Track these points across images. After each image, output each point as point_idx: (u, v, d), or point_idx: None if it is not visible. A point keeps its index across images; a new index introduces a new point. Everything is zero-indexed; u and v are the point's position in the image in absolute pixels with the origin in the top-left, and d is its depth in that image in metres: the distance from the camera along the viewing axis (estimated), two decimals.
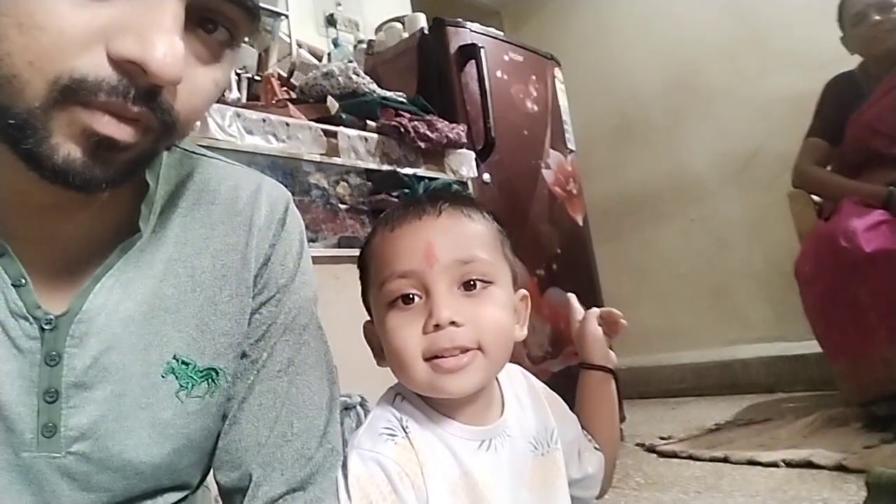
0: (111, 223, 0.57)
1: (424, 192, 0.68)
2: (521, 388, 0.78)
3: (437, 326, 0.63)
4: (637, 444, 2.30)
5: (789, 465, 1.78)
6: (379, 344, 0.71)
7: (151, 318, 0.58)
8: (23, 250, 0.53)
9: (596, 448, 0.82)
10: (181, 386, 0.59)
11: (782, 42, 3.10)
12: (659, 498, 1.69)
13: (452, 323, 0.64)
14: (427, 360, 0.65)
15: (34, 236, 0.54)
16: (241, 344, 0.64)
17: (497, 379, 0.75)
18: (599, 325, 0.86)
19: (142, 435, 0.57)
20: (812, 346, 2.26)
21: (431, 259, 0.65)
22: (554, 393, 0.82)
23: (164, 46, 0.43)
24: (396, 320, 0.66)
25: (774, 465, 1.80)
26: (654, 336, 3.39)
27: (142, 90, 0.44)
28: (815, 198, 2.35)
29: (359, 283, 0.75)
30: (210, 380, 0.61)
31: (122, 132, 0.45)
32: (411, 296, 0.66)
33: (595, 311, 0.87)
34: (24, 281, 0.53)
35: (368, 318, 0.74)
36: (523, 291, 0.75)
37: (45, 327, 0.53)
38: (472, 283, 0.66)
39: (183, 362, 0.59)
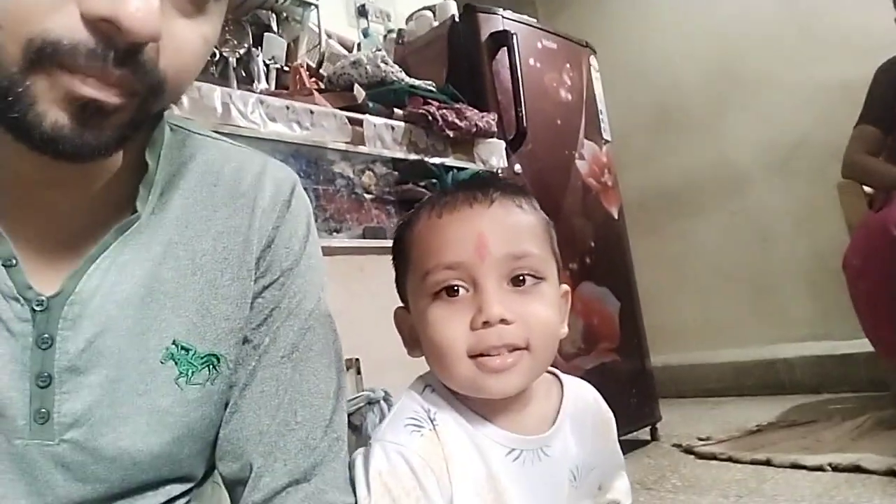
0: (108, 203, 0.56)
1: (473, 178, 0.65)
2: (587, 413, 0.72)
3: (487, 323, 0.60)
4: (674, 445, 2.24)
5: (836, 469, 1.70)
6: (411, 333, 0.68)
7: (150, 301, 0.56)
8: (13, 229, 0.51)
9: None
10: (181, 373, 0.57)
11: (830, 27, 2.97)
12: (696, 501, 1.62)
13: (503, 320, 0.60)
14: (472, 356, 0.61)
15: (25, 215, 0.52)
16: (243, 329, 0.61)
17: (562, 393, 0.71)
18: None
19: (139, 423, 0.55)
20: (860, 346, 2.16)
21: (483, 252, 0.62)
22: (613, 420, 0.77)
23: (142, 5, 0.41)
24: (440, 313, 0.63)
25: (820, 468, 1.72)
26: (693, 333, 3.29)
27: (121, 51, 0.42)
28: (866, 188, 2.25)
29: (383, 273, 0.72)
30: (211, 366, 0.59)
31: (106, 95, 0.43)
32: (457, 288, 0.62)
33: None
34: (14, 261, 0.51)
35: (401, 304, 0.71)
36: (565, 287, 0.71)
37: (37, 308, 0.51)
38: (521, 278, 0.63)
39: (183, 348, 0.57)
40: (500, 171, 2.00)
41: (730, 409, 2.79)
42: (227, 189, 0.62)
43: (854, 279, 2.03)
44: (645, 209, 3.37)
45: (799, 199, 3.07)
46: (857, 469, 1.65)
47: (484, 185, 0.66)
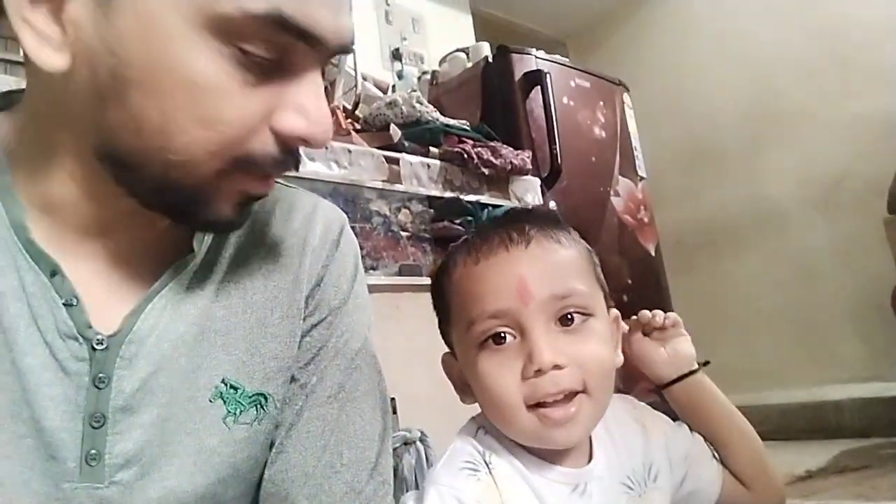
0: (167, 243, 0.56)
1: (506, 215, 0.64)
2: (613, 419, 0.70)
3: (539, 371, 0.58)
4: None
5: None
6: (461, 379, 0.67)
7: (202, 339, 0.56)
8: (74, 269, 0.52)
9: (714, 457, 0.74)
10: (228, 412, 0.57)
11: (868, 60, 2.93)
12: None
13: (555, 366, 0.58)
14: (530, 407, 0.60)
15: (87, 254, 0.53)
16: (291, 368, 0.61)
17: None
18: (646, 334, 0.77)
19: (185, 462, 0.54)
20: None
21: (526, 297, 0.60)
22: (656, 412, 0.75)
23: (325, 119, 0.48)
24: (490, 364, 0.61)
25: None
26: (735, 375, 3.16)
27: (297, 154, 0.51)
28: None
29: (419, 312, 0.72)
30: (259, 406, 0.58)
31: (268, 188, 0.52)
32: (504, 335, 0.61)
33: (631, 330, 0.77)
34: (75, 301, 0.51)
35: (446, 350, 0.70)
36: (615, 312, 0.69)
37: (97, 347, 0.51)
38: (570, 316, 0.61)
39: (231, 386, 0.57)
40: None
41: (777, 454, 2.65)
42: (278, 228, 0.63)
43: None
44: (682, 247, 3.32)
45: (842, 235, 2.99)
46: None
47: (519, 223, 0.65)
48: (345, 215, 0.69)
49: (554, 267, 0.62)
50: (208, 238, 0.58)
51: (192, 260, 0.56)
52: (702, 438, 0.75)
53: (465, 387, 0.67)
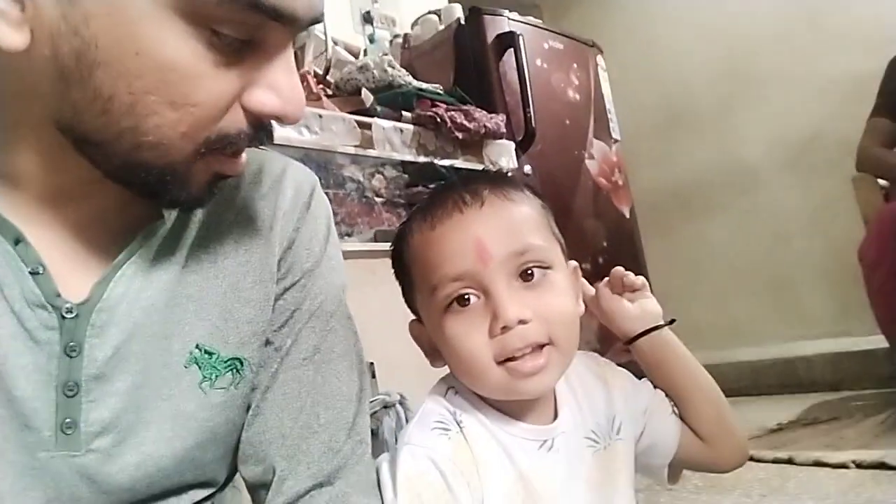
0: (135, 210, 0.55)
1: (459, 178, 0.64)
2: (575, 376, 0.71)
3: (506, 328, 0.59)
4: None
5: (860, 466, 1.66)
6: (430, 344, 0.67)
7: (174, 305, 0.56)
8: (40, 236, 0.51)
9: (674, 412, 0.75)
10: (204, 377, 0.57)
11: (840, 20, 2.94)
12: (719, 501, 1.59)
13: (520, 321, 0.59)
14: (500, 363, 0.60)
15: (53, 222, 0.52)
16: (266, 332, 0.61)
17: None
18: (616, 293, 0.78)
19: (163, 427, 0.55)
20: (880, 341, 2.12)
21: (485, 257, 0.60)
22: (618, 368, 0.76)
23: (297, 95, 0.49)
24: (457, 325, 0.62)
25: (844, 466, 1.68)
26: (709, 334, 3.24)
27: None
28: (881, 181, 2.21)
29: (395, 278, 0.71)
30: (235, 370, 0.59)
31: (239, 168, 0.52)
32: (467, 296, 0.61)
33: (602, 285, 0.79)
34: (41, 268, 0.50)
35: (413, 317, 0.70)
36: (573, 264, 0.70)
37: (66, 316, 0.51)
38: (529, 272, 0.61)
39: (206, 352, 0.57)
40: (509, 172, 1.99)
41: (749, 409, 2.74)
42: (248, 192, 0.62)
43: (869, 271, 1.99)
44: (657, 209, 3.34)
45: (813, 194, 3.04)
46: (881, 465, 1.62)
47: (471, 185, 0.65)
48: (315, 177, 0.69)
49: (510, 224, 0.62)
50: None
51: (162, 227, 0.55)
52: (663, 394, 0.76)
53: (434, 351, 0.67)
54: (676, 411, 0.75)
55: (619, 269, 0.77)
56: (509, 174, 0.82)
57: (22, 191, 0.51)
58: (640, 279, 0.77)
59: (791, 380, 2.95)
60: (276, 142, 1.39)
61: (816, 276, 3.04)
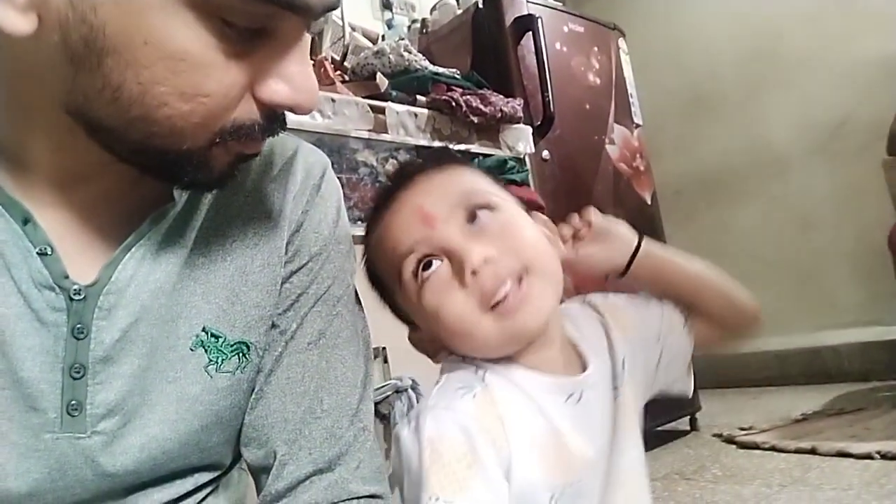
0: (145, 191, 0.55)
1: (387, 178, 0.68)
2: (587, 327, 0.70)
3: (475, 272, 0.57)
4: (714, 435, 2.17)
5: (885, 457, 1.62)
6: (431, 346, 0.66)
7: (181, 288, 0.56)
8: (49, 217, 0.51)
9: (683, 317, 0.73)
10: (210, 360, 0.57)
11: (870, 2, 2.84)
12: (738, 491, 1.56)
13: (486, 260, 0.58)
14: (485, 313, 0.58)
15: (62, 203, 0.52)
16: (273, 316, 0.61)
17: (569, 337, 0.68)
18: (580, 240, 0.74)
19: (168, 410, 0.55)
20: None
21: (429, 220, 0.60)
22: (617, 301, 0.74)
23: (310, 85, 0.48)
24: (432, 293, 0.60)
25: (868, 456, 1.64)
26: None
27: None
28: None
29: None
30: (241, 354, 0.58)
31: (260, 146, 0.51)
32: (430, 261, 0.60)
33: (568, 241, 0.74)
34: (49, 249, 0.50)
35: (409, 328, 0.69)
36: (540, 216, 0.68)
37: (74, 298, 0.51)
38: (479, 213, 0.60)
39: (212, 335, 0.57)
40: (526, 157, 1.96)
41: (773, 399, 2.70)
42: (259, 174, 0.62)
43: None
44: (680, 196, 3.28)
45: (842, 180, 2.95)
46: None
47: (404, 172, 0.66)
48: (327, 159, 0.68)
49: (445, 184, 0.63)
50: None
51: (173, 209, 0.55)
52: (671, 307, 0.74)
53: (436, 349, 0.66)
54: (685, 313, 0.73)
55: (564, 225, 0.73)
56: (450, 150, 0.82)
57: (32, 172, 0.51)
58: (586, 215, 0.73)
59: (818, 370, 2.89)
60: (289, 126, 1.40)
61: (845, 263, 2.97)
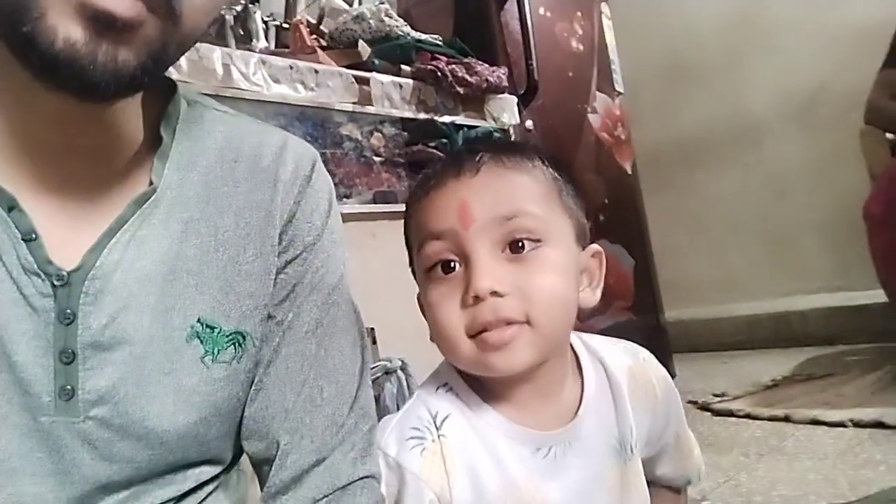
0: (127, 177, 0.56)
1: (464, 144, 0.62)
2: (633, 381, 0.69)
3: (477, 298, 0.57)
4: (689, 402, 2.21)
5: (857, 424, 1.67)
6: None
7: (172, 279, 0.56)
8: (33, 203, 0.51)
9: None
10: (206, 351, 0.57)
11: None
12: (717, 461, 1.60)
13: (494, 293, 0.57)
14: (472, 337, 0.59)
15: (45, 188, 0.52)
16: (268, 306, 0.61)
17: (580, 372, 0.67)
18: None
19: (165, 402, 0.55)
20: (877, 296, 2.12)
21: (466, 219, 0.59)
22: (671, 388, 0.74)
23: None
24: (436, 293, 0.61)
25: (841, 424, 1.69)
26: (708, 288, 3.25)
27: None
28: (889, 135, 2.17)
29: (396, 239, 0.71)
30: (237, 344, 0.59)
31: (121, 5, 0.42)
32: (452, 263, 0.60)
33: None
34: (34, 235, 0.50)
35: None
36: (595, 248, 0.66)
37: (57, 283, 0.51)
38: (519, 243, 0.59)
39: (208, 326, 0.57)
40: (511, 128, 1.93)
41: (743, 363, 2.77)
42: (247, 165, 0.62)
43: (874, 229, 1.98)
44: (659, 163, 3.28)
45: (818, 148, 2.98)
46: (879, 425, 1.63)
47: (473, 152, 0.63)
48: (316, 151, 0.68)
49: (501, 190, 0.60)
50: (169, 172, 0.57)
51: (153, 194, 0.55)
52: (687, 438, 0.77)
53: None
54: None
55: None
56: (520, 141, 0.79)
57: (14, 158, 0.51)
58: None
59: (785, 334, 2.97)
60: (271, 99, 1.34)
61: (817, 231, 3.02)
